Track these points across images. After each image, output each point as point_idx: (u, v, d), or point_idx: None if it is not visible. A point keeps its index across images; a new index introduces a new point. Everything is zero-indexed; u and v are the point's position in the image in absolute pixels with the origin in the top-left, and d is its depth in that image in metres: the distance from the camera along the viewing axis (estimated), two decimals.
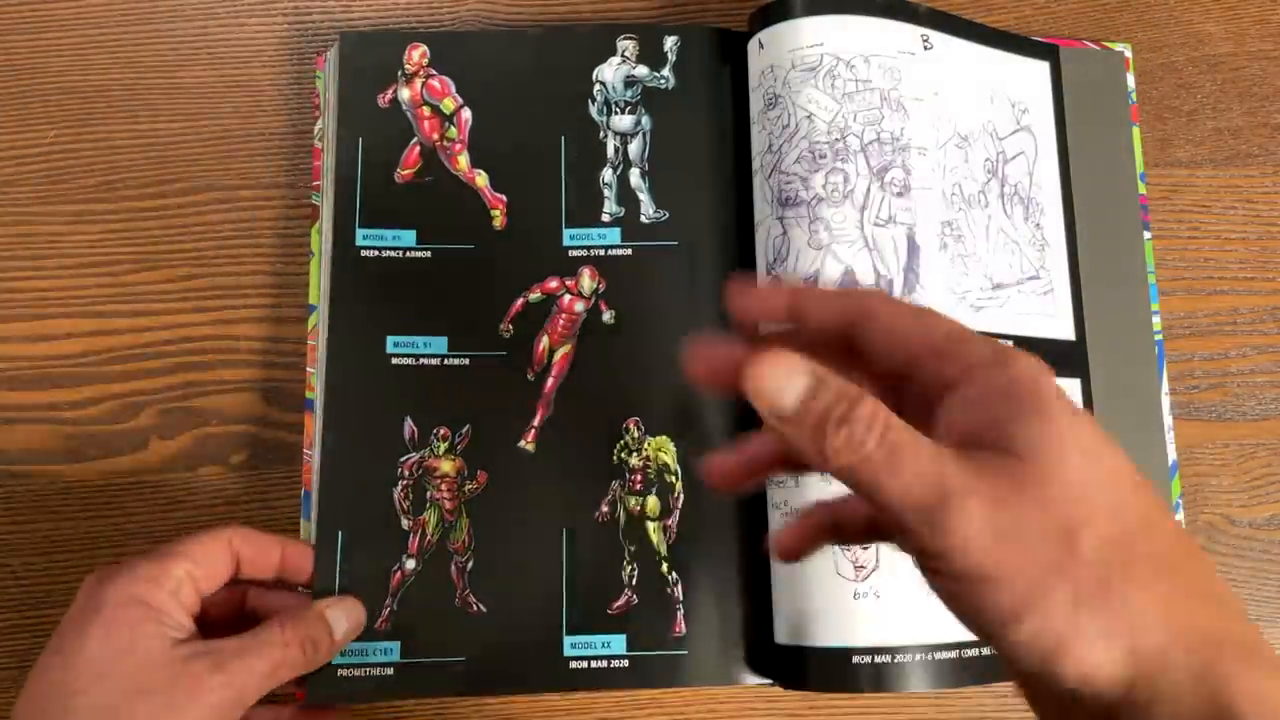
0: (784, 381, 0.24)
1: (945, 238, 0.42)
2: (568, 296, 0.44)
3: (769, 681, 0.41)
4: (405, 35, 0.47)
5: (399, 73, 0.45)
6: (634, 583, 0.42)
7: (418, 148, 0.45)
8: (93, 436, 0.45)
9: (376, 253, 0.44)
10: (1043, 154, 0.46)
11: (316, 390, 0.43)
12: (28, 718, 0.33)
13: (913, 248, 0.41)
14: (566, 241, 0.44)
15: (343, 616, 0.39)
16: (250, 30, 0.49)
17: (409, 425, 0.42)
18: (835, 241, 0.41)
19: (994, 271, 0.43)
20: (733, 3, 0.49)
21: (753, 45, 0.44)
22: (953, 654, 0.39)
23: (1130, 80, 0.48)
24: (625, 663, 0.41)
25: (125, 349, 0.45)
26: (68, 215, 0.47)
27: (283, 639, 0.36)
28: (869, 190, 0.42)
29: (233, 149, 0.47)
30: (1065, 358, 0.44)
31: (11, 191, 0.47)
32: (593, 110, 0.45)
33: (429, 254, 0.44)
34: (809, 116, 0.42)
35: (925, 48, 0.43)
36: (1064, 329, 0.44)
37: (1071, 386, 0.43)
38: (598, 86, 0.45)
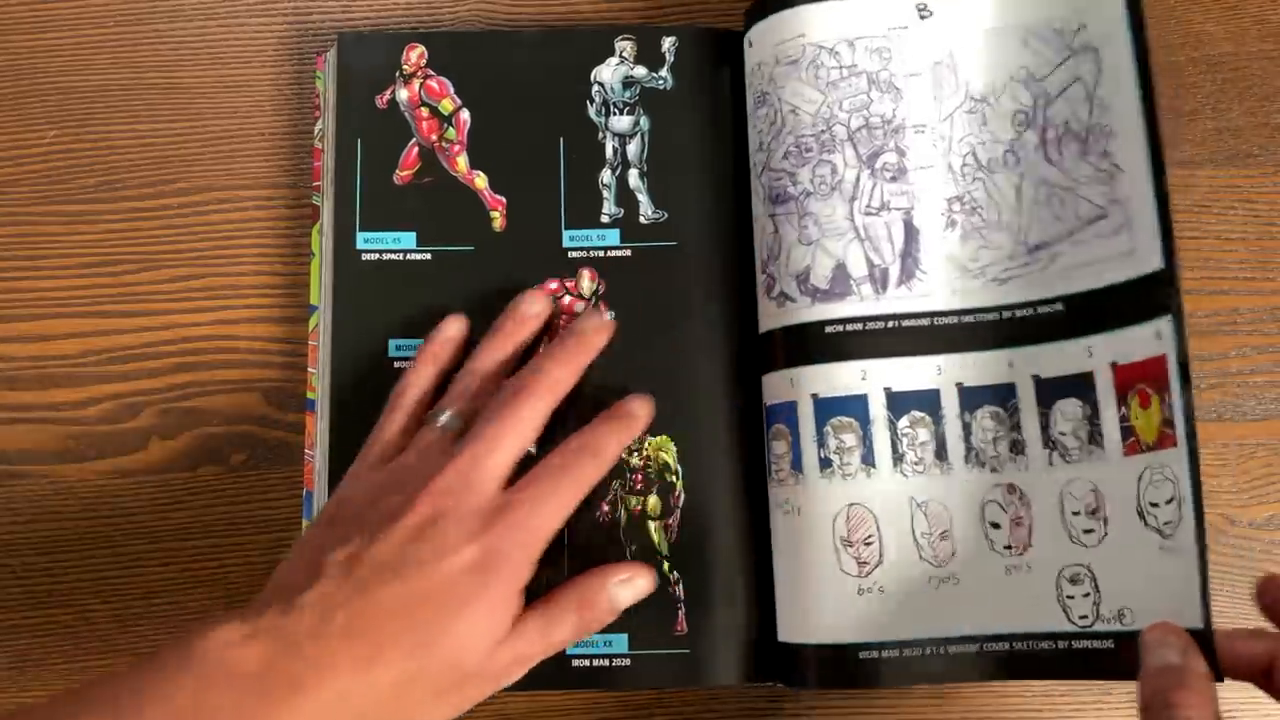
0: None
1: (954, 214, 0.41)
2: (568, 298, 0.44)
3: (770, 681, 0.41)
4: (405, 35, 0.47)
5: (397, 74, 0.45)
6: None
7: (416, 149, 0.45)
8: (93, 436, 0.45)
9: (377, 255, 0.44)
10: (1109, 69, 0.40)
11: (318, 391, 0.43)
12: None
13: (910, 232, 0.41)
14: (566, 243, 0.44)
15: (629, 594, 0.39)
16: (250, 30, 0.49)
17: None
18: (824, 236, 0.41)
19: (1031, 233, 0.41)
20: (732, 2, 0.49)
21: (745, 44, 0.44)
22: (956, 650, 0.39)
23: None
24: (627, 662, 0.41)
25: (125, 349, 0.45)
26: (68, 215, 0.47)
27: (578, 619, 0.38)
28: (858, 179, 0.41)
29: (233, 149, 0.47)
30: (1148, 295, 0.38)
31: (11, 191, 0.47)
32: (591, 111, 0.45)
33: (429, 256, 0.44)
34: (793, 110, 0.42)
35: (921, 17, 0.42)
36: (1148, 262, 0.38)
37: (1163, 328, 0.38)
38: (596, 87, 0.45)
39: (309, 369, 0.44)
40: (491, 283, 0.44)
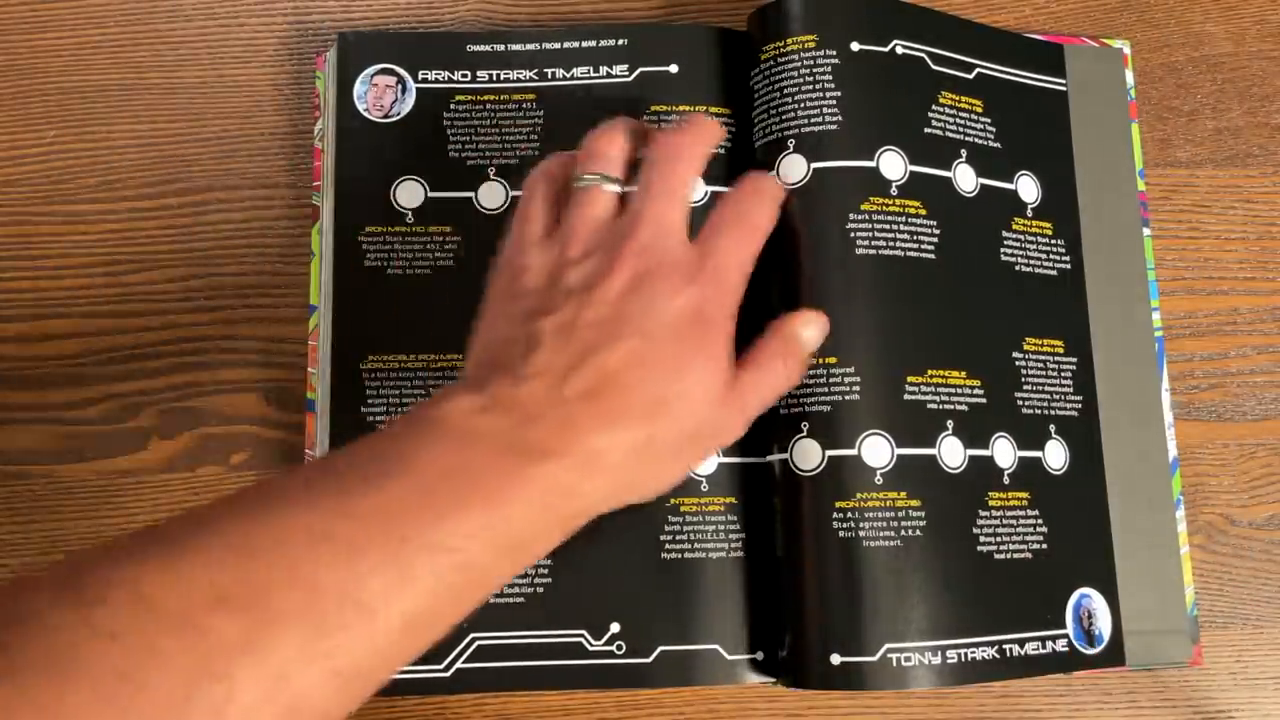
0: None
1: None
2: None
3: (770, 680, 0.41)
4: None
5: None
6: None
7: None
8: (93, 436, 0.45)
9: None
10: None
11: (318, 391, 0.43)
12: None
13: None
14: None
15: (816, 333, 0.40)
16: (250, 30, 0.49)
17: None
18: None
19: None
20: (733, 3, 0.49)
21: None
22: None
23: (1129, 77, 0.48)
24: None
25: (125, 349, 0.45)
26: (68, 215, 0.47)
27: (784, 367, 0.38)
28: None
29: (233, 149, 0.47)
30: None
31: (11, 191, 0.47)
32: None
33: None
34: None
35: None
36: None
37: None
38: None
39: (309, 369, 0.44)
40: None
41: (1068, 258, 0.46)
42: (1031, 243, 0.45)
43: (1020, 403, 0.43)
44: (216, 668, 0.25)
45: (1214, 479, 0.46)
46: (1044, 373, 0.44)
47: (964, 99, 0.45)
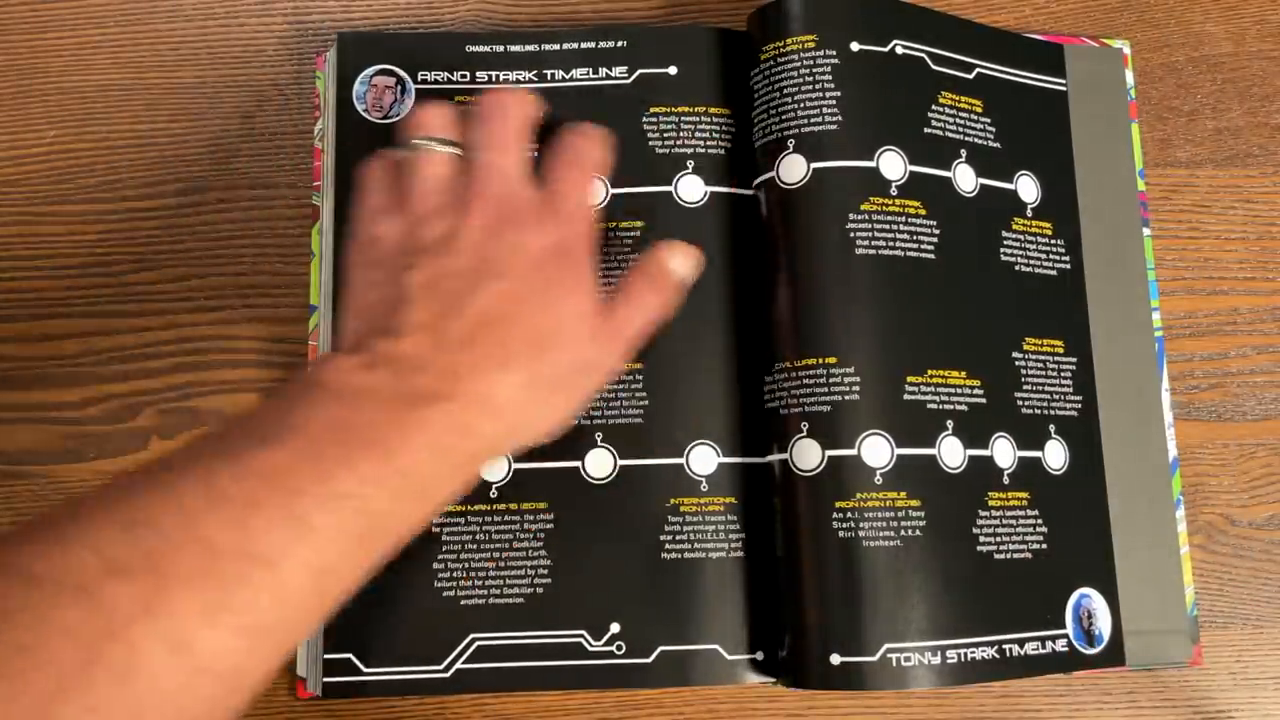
0: None
1: None
2: None
3: (770, 680, 0.41)
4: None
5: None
6: None
7: None
8: (93, 436, 0.45)
9: None
10: None
11: None
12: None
13: None
14: None
15: (684, 263, 0.41)
16: (250, 30, 0.49)
17: None
18: None
19: None
20: (733, 2, 0.49)
21: None
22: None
23: (1129, 77, 0.48)
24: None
25: (125, 349, 0.45)
26: (68, 215, 0.47)
27: (656, 300, 0.40)
28: None
29: (233, 149, 0.47)
30: None
31: (11, 191, 0.47)
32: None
33: None
34: None
35: None
36: None
37: None
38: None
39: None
40: None
41: (1067, 258, 0.46)
42: (1031, 243, 0.45)
43: (1020, 403, 0.43)
44: (117, 633, 0.25)
45: (1214, 479, 0.46)
46: (1044, 373, 0.44)
47: (964, 99, 0.45)
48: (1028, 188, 0.46)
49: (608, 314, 0.37)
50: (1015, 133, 0.46)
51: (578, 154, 0.40)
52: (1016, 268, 0.45)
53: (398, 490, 0.31)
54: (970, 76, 0.46)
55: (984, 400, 0.42)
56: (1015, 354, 0.44)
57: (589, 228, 0.38)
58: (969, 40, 0.46)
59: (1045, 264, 0.45)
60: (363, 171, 0.41)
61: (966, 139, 0.45)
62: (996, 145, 0.46)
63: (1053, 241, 0.46)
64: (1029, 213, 0.46)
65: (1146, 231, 0.47)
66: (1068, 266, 0.46)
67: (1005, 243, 0.45)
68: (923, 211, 0.43)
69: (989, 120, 0.46)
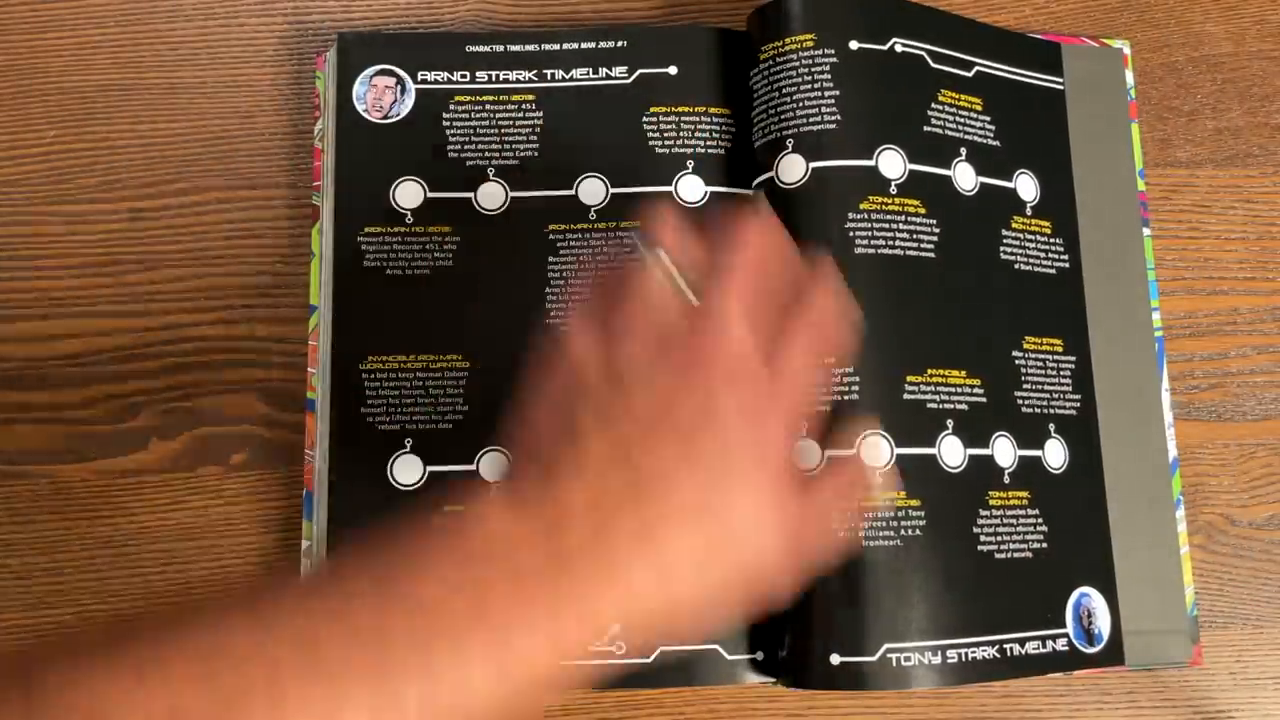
0: None
1: None
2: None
3: (770, 680, 0.41)
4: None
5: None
6: None
7: None
8: (93, 436, 0.45)
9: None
10: None
11: (318, 391, 0.43)
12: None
13: None
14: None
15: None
16: (250, 30, 0.49)
17: None
18: None
19: None
20: (733, 2, 0.49)
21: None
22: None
23: (1129, 77, 0.48)
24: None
25: (125, 349, 0.45)
26: (68, 215, 0.47)
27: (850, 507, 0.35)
28: None
29: (233, 149, 0.47)
30: None
31: (11, 191, 0.47)
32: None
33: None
34: None
35: None
36: None
37: None
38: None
39: (309, 369, 0.44)
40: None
41: (1066, 256, 0.46)
42: (1031, 241, 0.45)
43: (1020, 402, 0.43)
44: None
45: (1214, 479, 0.46)
46: (1043, 371, 0.44)
47: (964, 97, 0.45)
48: (1027, 186, 0.46)
49: (791, 509, 0.31)
50: (1015, 131, 0.46)
51: (817, 335, 0.34)
52: (1016, 266, 0.45)
53: (498, 678, 0.28)
54: (969, 75, 0.46)
55: (984, 399, 0.42)
56: (1015, 353, 0.44)
57: (799, 404, 0.33)
58: (968, 38, 0.46)
59: (1044, 262, 0.45)
60: (591, 279, 0.37)
61: (966, 137, 0.45)
62: (996, 144, 0.46)
63: (1051, 240, 0.46)
64: (1028, 211, 0.46)
65: (1146, 231, 0.47)
66: (1066, 265, 0.46)
67: (1005, 241, 0.45)
68: (922, 210, 0.43)
69: (989, 119, 0.46)
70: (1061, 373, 0.44)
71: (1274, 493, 0.46)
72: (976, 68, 0.46)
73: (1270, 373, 0.47)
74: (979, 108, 0.46)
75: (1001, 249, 0.45)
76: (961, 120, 0.45)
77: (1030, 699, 0.44)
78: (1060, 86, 0.47)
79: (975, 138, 0.45)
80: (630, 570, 0.29)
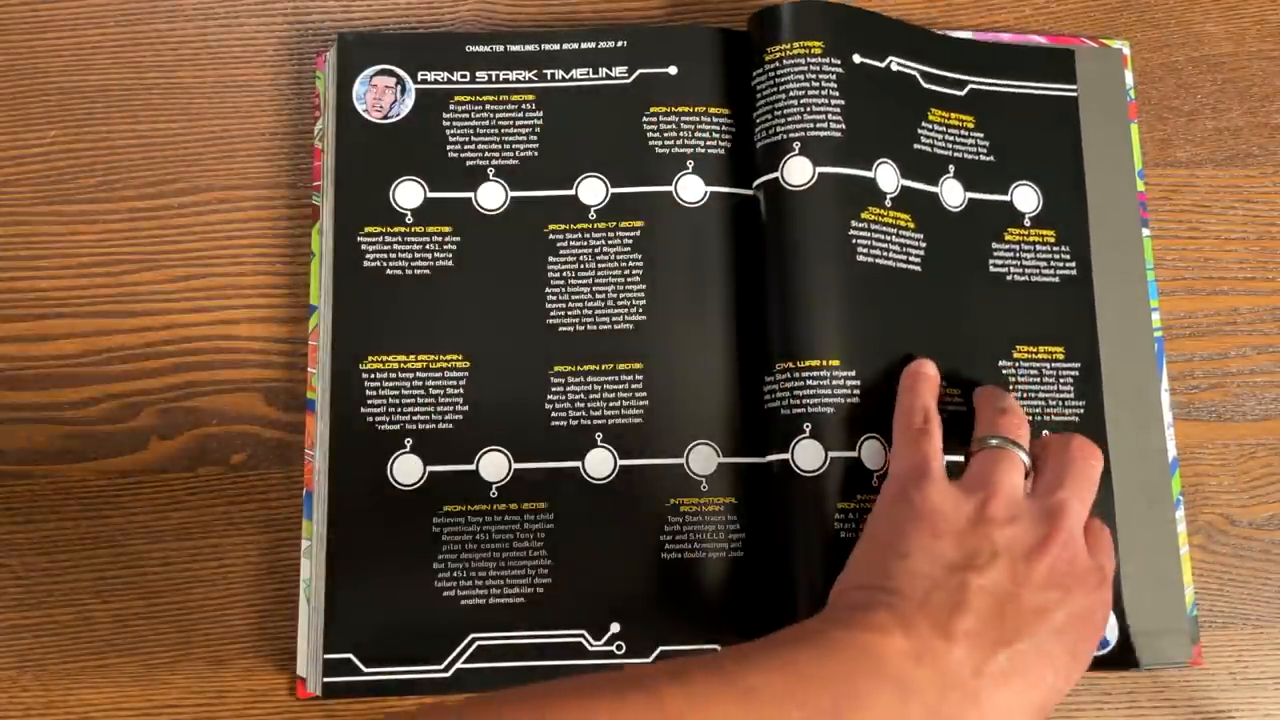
0: None
1: None
2: None
3: None
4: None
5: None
6: None
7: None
8: (93, 436, 0.45)
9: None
10: None
11: (318, 391, 0.44)
12: None
13: None
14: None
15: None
16: (250, 30, 0.49)
17: None
18: None
19: None
20: (733, 2, 0.49)
21: None
22: None
23: (1129, 77, 0.48)
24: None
25: (125, 349, 0.45)
26: (68, 215, 0.47)
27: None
28: None
29: (233, 149, 0.47)
30: None
31: (11, 191, 0.47)
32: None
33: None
34: None
35: None
36: None
37: None
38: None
39: (309, 369, 0.44)
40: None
41: (1072, 264, 0.46)
42: (1029, 252, 0.45)
43: None
44: None
45: (1214, 479, 0.46)
46: (1038, 379, 0.44)
47: (954, 115, 0.46)
48: (1026, 198, 0.46)
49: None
50: (1013, 145, 0.46)
51: (1105, 542, 0.39)
52: (1009, 277, 0.45)
53: None
54: (962, 94, 0.46)
55: (963, 408, 0.42)
56: (1004, 362, 0.44)
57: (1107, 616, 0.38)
58: (967, 57, 0.47)
59: (1045, 272, 0.45)
60: (909, 382, 0.41)
61: (955, 154, 0.45)
62: (990, 159, 0.46)
63: (1055, 249, 0.46)
64: (1026, 222, 0.46)
65: (1146, 232, 0.47)
66: (1072, 272, 0.45)
67: (995, 254, 0.45)
68: (911, 225, 0.43)
69: (981, 135, 0.46)
70: (1061, 379, 0.44)
71: (1274, 493, 0.46)
72: (969, 86, 0.46)
73: (1270, 373, 0.47)
74: (970, 125, 0.46)
75: (991, 262, 0.45)
76: (951, 138, 0.45)
77: None
78: (1073, 93, 0.47)
79: (965, 155, 0.45)
80: None
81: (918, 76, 0.45)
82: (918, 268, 0.43)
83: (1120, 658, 0.42)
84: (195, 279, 0.46)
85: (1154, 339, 0.46)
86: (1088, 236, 0.46)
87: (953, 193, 0.45)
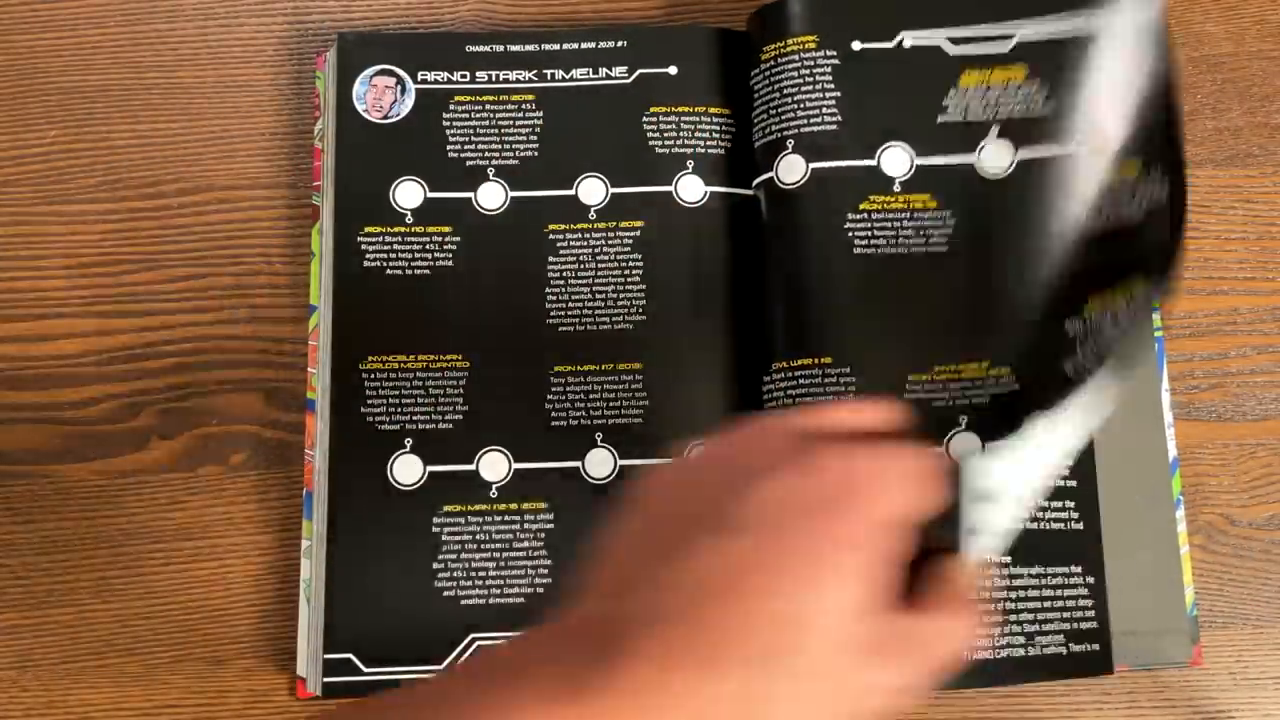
0: None
1: None
2: None
3: None
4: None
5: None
6: None
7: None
8: (93, 436, 0.45)
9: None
10: None
11: (318, 391, 0.44)
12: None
13: None
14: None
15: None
16: (250, 30, 0.49)
17: None
18: None
19: None
20: (733, 2, 0.49)
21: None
22: None
23: None
24: None
25: (125, 349, 0.45)
26: (68, 215, 0.47)
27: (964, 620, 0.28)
28: None
29: (233, 149, 0.47)
30: None
31: (11, 191, 0.47)
32: None
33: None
34: None
35: None
36: None
37: None
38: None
39: (309, 369, 0.44)
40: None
41: (1165, 190, 0.39)
42: (1119, 188, 0.40)
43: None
44: None
45: (1214, 479, 0.46)
46: (1115, 328, 0.39)
47: (996, 72, 0.44)
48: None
49: (891, 620, 0.26)
50: (1076, 90, 0.43)
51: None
52: (1079, 227, 0.38)
53: None
54: (1006, 50, 0.44)
55: (1014, 387, 0.41)
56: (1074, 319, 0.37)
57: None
58: (1001, 8, 0.44)
59: (1130, 210, 0.40)
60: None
61: (999, 116, 0.44)
62: (1044, 112, 0.44)
63: (1144, 180, 0.36)
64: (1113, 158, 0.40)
65: None
66: (1163, 201, 0.36)
67: (1061, 210, 0.41)
68: (933, 205, 0.42)
69: (1034, 88, 0.44)
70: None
71: (1274, 493, 0.46)
72: (1016, 38, 0.44)
73: (1270, 373, 0.47)
74: (1019, 78, 0.44)
75: (1058, 220, 0.41)
76: (992, 99, 0.44)
77: (1030, 699, 0.43)
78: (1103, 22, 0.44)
79: (1015, 112, 0.44)
80: (670, 694, 0.24)
81: (943, 45, 0.44)
82: (942, 248, 0.42)
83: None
84: (195, 279, 0.46)
85: (1154, 339, 0.46)
86: (1181, 159, 0.39)
87: (997, 157, 0.43)
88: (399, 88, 0.46)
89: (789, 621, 0.25)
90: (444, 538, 0.42)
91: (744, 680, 0.24)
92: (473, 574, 0.42)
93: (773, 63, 0.44)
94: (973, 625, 0.28)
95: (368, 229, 0.44)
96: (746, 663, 0.24)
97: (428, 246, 0.44)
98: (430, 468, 0.42)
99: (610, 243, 0.44)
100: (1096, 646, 0.42)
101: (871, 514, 0.26)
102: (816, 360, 0.40)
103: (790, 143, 0.43)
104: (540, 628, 0.27)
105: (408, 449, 0.43)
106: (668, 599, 0.25)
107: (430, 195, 0.45)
